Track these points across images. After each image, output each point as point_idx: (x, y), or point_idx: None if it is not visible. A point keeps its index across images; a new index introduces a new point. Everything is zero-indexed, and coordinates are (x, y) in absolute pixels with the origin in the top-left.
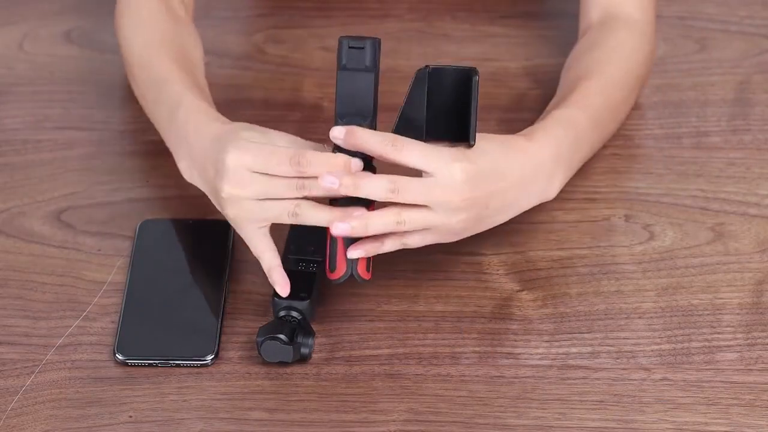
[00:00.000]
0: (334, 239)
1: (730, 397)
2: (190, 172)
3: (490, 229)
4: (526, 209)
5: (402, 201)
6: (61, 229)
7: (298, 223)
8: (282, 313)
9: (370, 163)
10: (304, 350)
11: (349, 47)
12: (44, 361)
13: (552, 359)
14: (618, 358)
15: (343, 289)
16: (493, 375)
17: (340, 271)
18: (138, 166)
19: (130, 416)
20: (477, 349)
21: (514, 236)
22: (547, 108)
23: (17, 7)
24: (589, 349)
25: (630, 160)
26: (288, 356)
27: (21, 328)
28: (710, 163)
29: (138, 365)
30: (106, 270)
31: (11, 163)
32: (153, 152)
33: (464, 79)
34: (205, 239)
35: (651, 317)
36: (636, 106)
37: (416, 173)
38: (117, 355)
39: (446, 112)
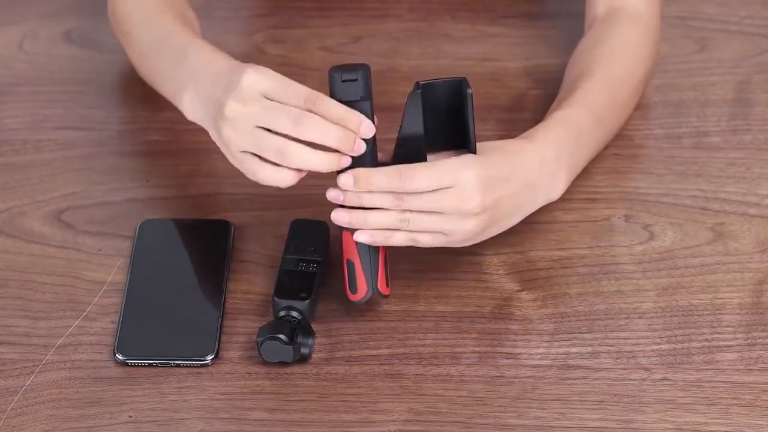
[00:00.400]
0: (350, 262)
1: (730, 397)
2: (192, 106)
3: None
4: (533, 211)
5: (413, 209)
6: (61, 229)
7: (283, 164)
8: (282, 313)
9: (374, 156)
10: (304, 350)
11: (342, 81)
12: (44, 361)
13: (552, 359)
14: (618, 358)
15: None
16: (493, 375)
17: (362, 291)
18: (138, 166)
19: (130, 416)
20: (477, 349)
21: (514, 236)
22: (551, 107)
23: (17, 7)
24: (589, 349)
25: (630, 160)
26: (288, 356)
27: (21, 328)
28: (710, 163)
29: (138, 365)
30: (106, 270)
31: (11, 163)
32: (153, 152)
33: (455, 90)
34: (205, 239)
35: (651, 317)
36: (636, 106)
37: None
38: (117, 355)
39: (443, 123)
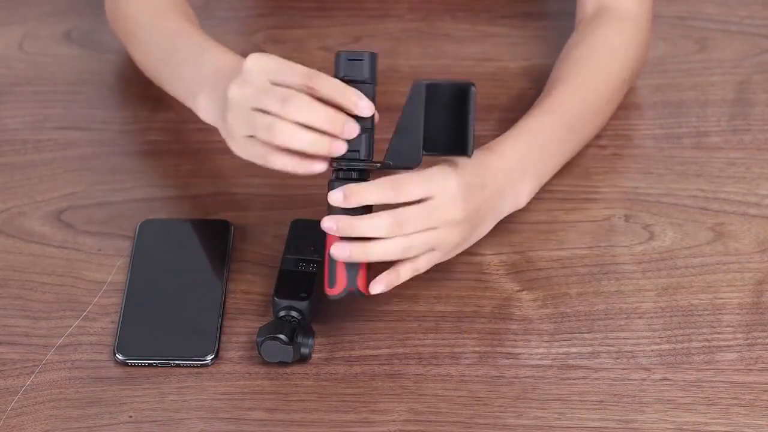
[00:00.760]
0: (333, 254)
1: (730, 397)
2: (207, 108)
3: (490, 230)
4: (502, 218)
5: (409, 231)
6: (61, 229)
7: (273, 142)
8: (282, 313)
9: (364, 174)
10: (304, 350)
11: (348, 60)
12: (44, 361)
13: (552, 359)
14: (618, 358)
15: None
16: (493, 375)
17: (340, 286)
18: (138, 166)
19: (130, 416)
20: (477, 349)
21: (514, 236)
22: (526, 112)
23: (17, 7)
24: (589, 349)
25: (630, 160)
26: (288, 356)
27: (21, 328)
28: (710, 163)
29: (138, 365)
30: (106, 270)
31: (11, 163)
32: (153, 152)
33: (459, 93)
34: (205, 239)
35: (651, 317)
36: (636, 106)
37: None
38: (117, 355)
39: (442, 125)
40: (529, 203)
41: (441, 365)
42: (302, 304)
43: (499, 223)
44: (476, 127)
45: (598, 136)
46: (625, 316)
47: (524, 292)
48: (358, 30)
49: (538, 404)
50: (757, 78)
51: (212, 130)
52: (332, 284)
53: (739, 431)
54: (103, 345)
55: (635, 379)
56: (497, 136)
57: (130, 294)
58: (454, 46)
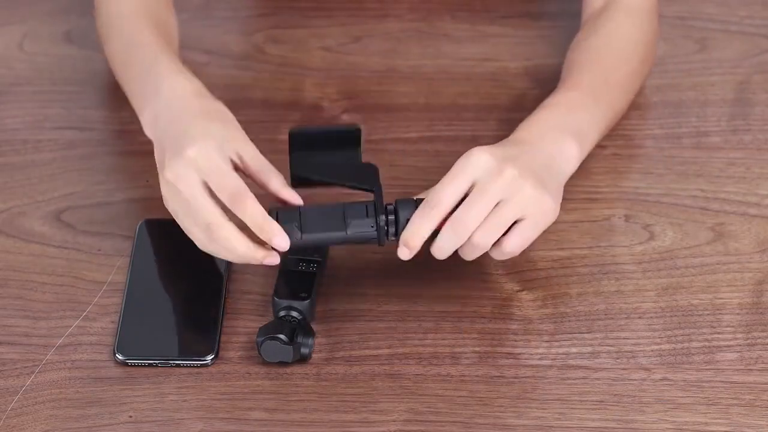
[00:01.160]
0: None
1: (730, 397)
2: (148, 125)
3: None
4: (565, 177)
5: (474, 224)
6: (61, 229)
7: (211, 247)
8: (282, 313)
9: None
10: (304, 350)
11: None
12: (44, 361)
13: (552, 359)
14: (618, 358)
15: (343, 289)
16: (493, 375)
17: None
18: (138, 166)
19: (130, 416)
20: (477, 349)
21: None
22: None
23: (17, 7)
24: (589, 349)
25: (630, 160)
26: (288, 356)
27: (21, 328)
28: (710, 163)
29: (138, 365)
30: (106, 270)
31: (11, 163)
32: (153, 152)
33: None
34: None
35: (651, 317)
36: (636, 106)
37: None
38: (117, 355)
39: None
40: None
41: (441, 365)
42: (302, 304)
43: None
44: (476, 126)
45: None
46: (625, 316)
47: (524, 292)
48: (358, 30)
49: (538, 404)
50: (757, 78)
51: None
52: None
53: (739, 431)
54: (103, 345)
55: (635, 379)
56: (497, 136)
57: (130, 294)
58: (454, 46)
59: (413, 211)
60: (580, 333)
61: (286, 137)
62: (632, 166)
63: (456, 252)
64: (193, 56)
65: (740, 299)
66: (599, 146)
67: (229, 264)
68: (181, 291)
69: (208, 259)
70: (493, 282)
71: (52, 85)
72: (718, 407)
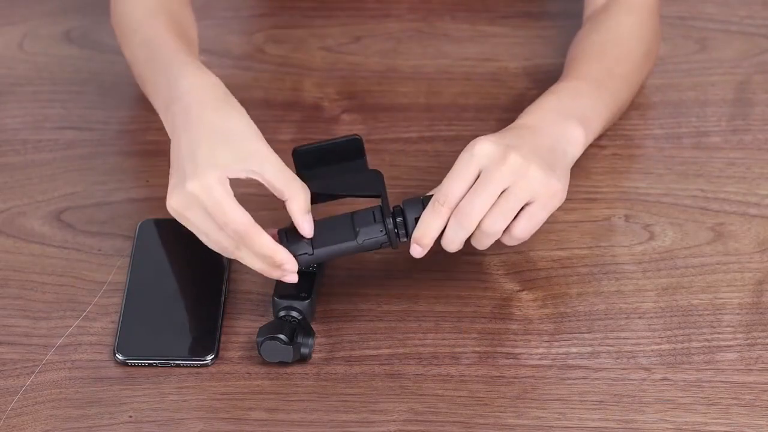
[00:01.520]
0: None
1: (730, 397)
2: (171, 129)
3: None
4: (572, 160)
5: (479, 212)
6: (61, 229)
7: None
8: (282, 313)
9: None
10: (304, 350)
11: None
12: (44, 361)
13: (552, 359)
14: (618, 358)
15: (343, 289)
16: (493, 375)
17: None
18: (138, 166)
19: (130, 416)
20: (477, 349)
21: None
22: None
23: (17, 7)
24: (589, 349)
25: (630, 160)
26: (288, 356)
27: (21, 328)
28: (710, 163)
29: (138, 365)
30: (106, 270)
31: (11, 163)
32: (153, 152)
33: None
34: None
35: (651, 317)
36: (636, 106)
37: None
38: (117, 355)
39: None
40: None
41: (441, 365)
42: (302, 304)
43: None
44: (476, 126)
45: (598, 137)
46: (625, 316)
47: (524, 292)
48: (358, 30)
49: (538, 404)
50: (757, 78)
51: None
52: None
53: (739, 431)
54: (103, 345)
55: (635, 379)
56: None
57: (130, 294)
58: (454, 46)
59: (421, 210)
60: (580, 333)
61: (286, 137)
62: (632, 166)
63: (464, 247)
64: None
65: (740, 299)
66: (599, 146)
67: (229, 264)
68: (181, 291)
69: (209, 259)
70: (493, 282)
71: (52, 85)
72: (718, 407)
